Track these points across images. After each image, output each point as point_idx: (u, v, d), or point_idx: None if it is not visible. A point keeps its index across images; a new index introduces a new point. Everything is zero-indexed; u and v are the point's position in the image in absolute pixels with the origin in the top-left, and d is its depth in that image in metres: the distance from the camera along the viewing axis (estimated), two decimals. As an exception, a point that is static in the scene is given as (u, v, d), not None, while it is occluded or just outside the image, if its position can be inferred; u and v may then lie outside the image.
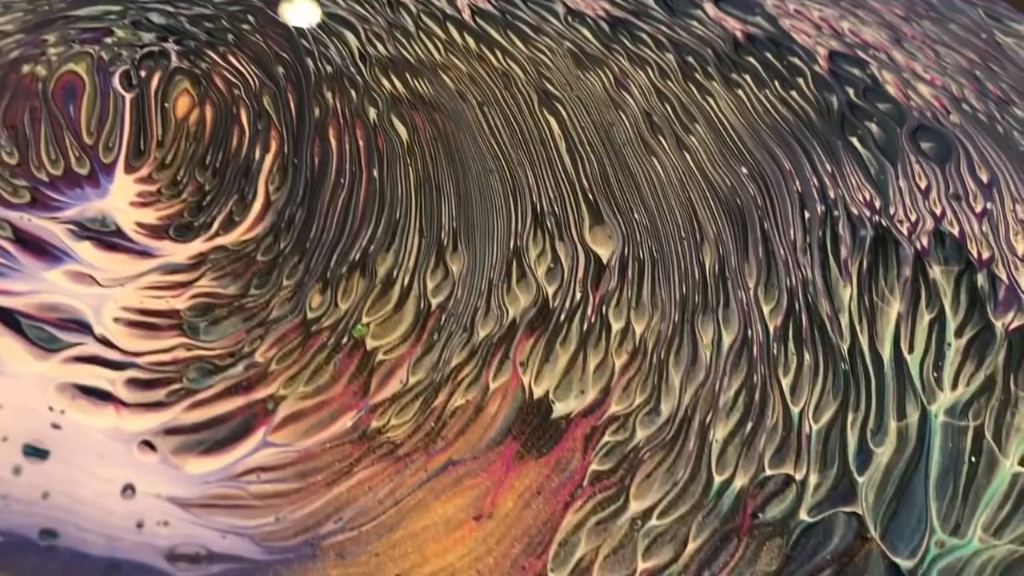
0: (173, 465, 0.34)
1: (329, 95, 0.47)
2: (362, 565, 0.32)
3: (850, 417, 0.37)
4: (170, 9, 0.51)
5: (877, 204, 0.45)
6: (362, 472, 0.34)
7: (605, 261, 0.42)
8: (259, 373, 0.37)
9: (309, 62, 0.49)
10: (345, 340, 0.38)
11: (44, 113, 0.45)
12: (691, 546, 0.33)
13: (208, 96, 0.46)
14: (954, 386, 0.38)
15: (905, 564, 0.34)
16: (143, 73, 0.47)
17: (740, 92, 0.50)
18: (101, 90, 0.46)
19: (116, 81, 0.47)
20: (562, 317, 0.39)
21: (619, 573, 0.33)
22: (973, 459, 0.36)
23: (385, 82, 0.48)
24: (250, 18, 0.51)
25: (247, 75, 0.48)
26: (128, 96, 0.46)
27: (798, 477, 0.36)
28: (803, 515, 0.35)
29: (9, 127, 0.44)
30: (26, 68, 0.46)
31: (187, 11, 0.51)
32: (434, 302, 0.39)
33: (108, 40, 0.48)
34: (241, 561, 0.32)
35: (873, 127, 0.49)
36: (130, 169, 0.43)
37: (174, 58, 0.48)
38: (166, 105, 0.46)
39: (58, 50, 0.47)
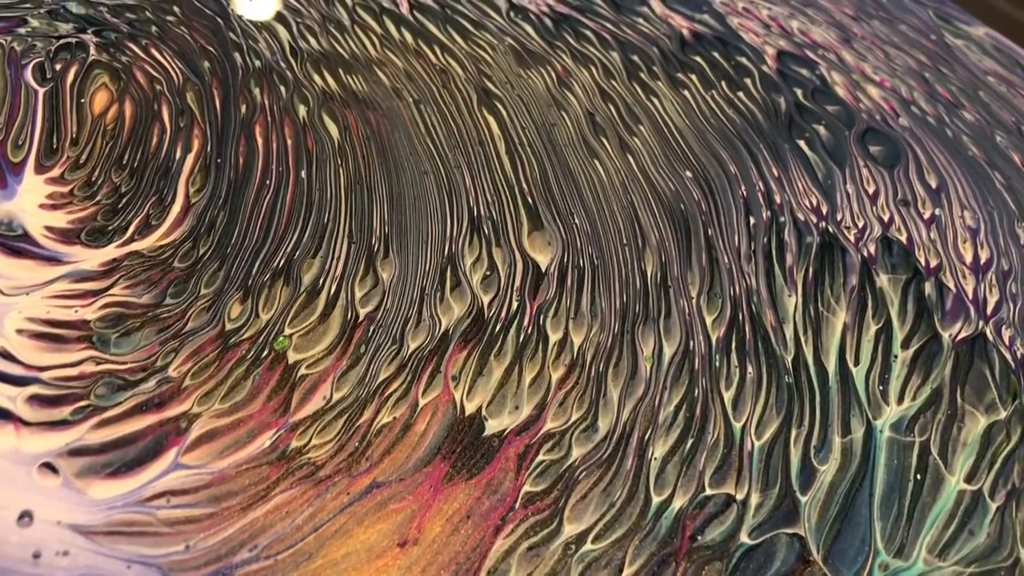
0: (76, 489, 0.31)
1: (257, 91, 0.45)
2: (276, 597, 0.30)
3: (793, 433, 0.36)
4: (91, -2, 0.48)
5: (824, 210, 0.44)
6: (280, 496, 0.32)
7: (544, 268, 0.40)
8: (172, 389, 0.34)
9: (236, 56, 0.47)
10: (265, 353, 0.36)
11: (-51, 108, 0.42)
12: (627, 571, 0.32)
13: (128, 91, 0.44)
14: (900, 400, 0.37)
15: (847, 587, 0.32)
16: (58, 66, 0.44)
17: (686, 92, 0.49)
18: (12, 83, 0.43)
19: (28, 74, 0.44)
20: (497, 328, 0.38)
21: (551, 601, 0.31)
22: (919, 476, 0.35)
23: (317, 78, 0.46)
24: (176, 8, 0.48)
25: (170, 70, 0.45)
26: (41, 90, 0.43)
27: (739, 497, 0.34)
28: (744, 537, 0.33)
29: (-90, 123, 0.41)
30: (-70, 60, 0.44)
31: (108, 1, 0.48)
32: (362, 312, 0.37)
33: (21, 30, 0.46)
34: (145, 595, 0.29)
35: (821, 129, 0.48)
36: (41, 169, 0.41)
37: (92, 50, 0.45)
38: (82, 100, 0.43)
39: (-34, 40, 0.45)
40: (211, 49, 0.47)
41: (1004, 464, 0.36)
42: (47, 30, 0.46)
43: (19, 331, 0.35)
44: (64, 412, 0.33)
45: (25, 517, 0.31)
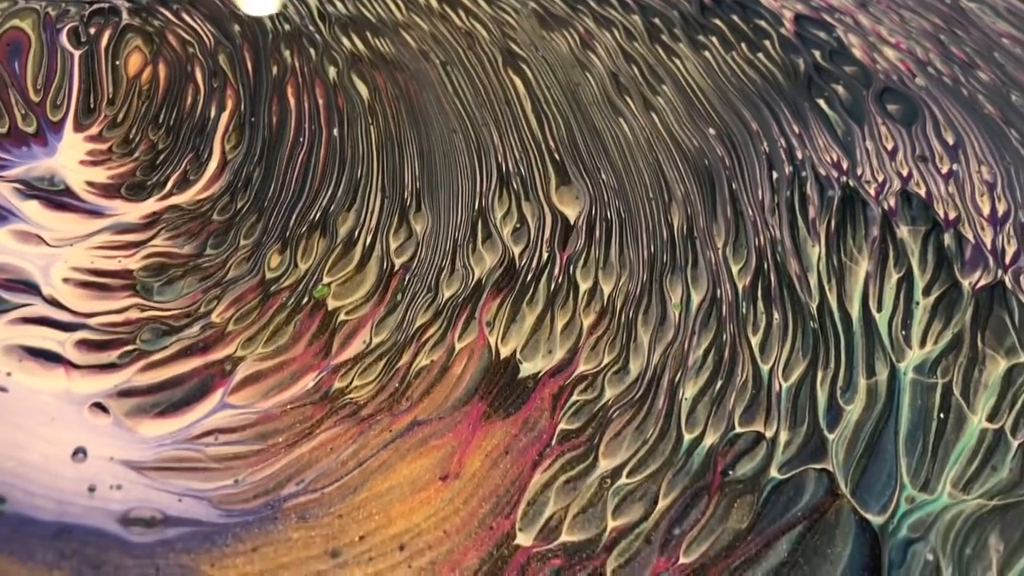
0: (126, 428, 0.32)
1: (287, 53, 0.46)
2: (325, 527, 0.31)
3: (819, 375, 0.37)
4: (121, -36, 0.49)
5: (844, 165, 0.45)
6: (324, 434, 0.33)
7: (572, 221, 0.41)
8: (216, 334, 0.35)
9: (266, 20, 0.47)
10: (305, 300, 0.37)
11: (-12, 70, 0.43)
12: (661, 504, 0.33)
13: (161, 54, 0.45)
14: (922, 344, 0.38)
15: (875, 520, 0.33)
16: (92, 30, 0.45)
17: (707, 54, 0.49)
18: (48, 47, 0.44)
19: (64, 38, 0.45)
20: (529, 277, 0.39)
21: (589, 532, 0.32)
22: (942, 415, 0.36)
23: (345, 41, 0.47)
24: (204, -25, 0.49)
25: (202, 33, 0.46)
26: (77, 53, 0.44)
27: (768, 435, 0.35)
28: (774, 472, 0.34)
29: (-49, 84, 0.42)
30: (-32, 24, 0.44)
31: (139, -34, 0.49)
32: (397, 262, 0.38)
33: (57, -6, 0.47)
34: (199, 524, 0.30)
35: (840, 89, 0.49)
36: (79, 127, 0.42)
37: (125, 15, 0.46)
38: (117, 63, 0.44)
39: (2, 5, 0.45)
40: (240, 12, 0.47)
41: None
42: (81, -5, 0.47)
43: (65, 280, 0.36)
44: (112, 356, 0.34)
45: (79, 453, 0.32)
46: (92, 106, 0.42)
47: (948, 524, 0.34)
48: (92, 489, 0.31)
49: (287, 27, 0.47)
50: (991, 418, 0.37)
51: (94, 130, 0.41)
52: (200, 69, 0.44)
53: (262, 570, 0.30)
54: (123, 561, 0.29)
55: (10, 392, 0.33)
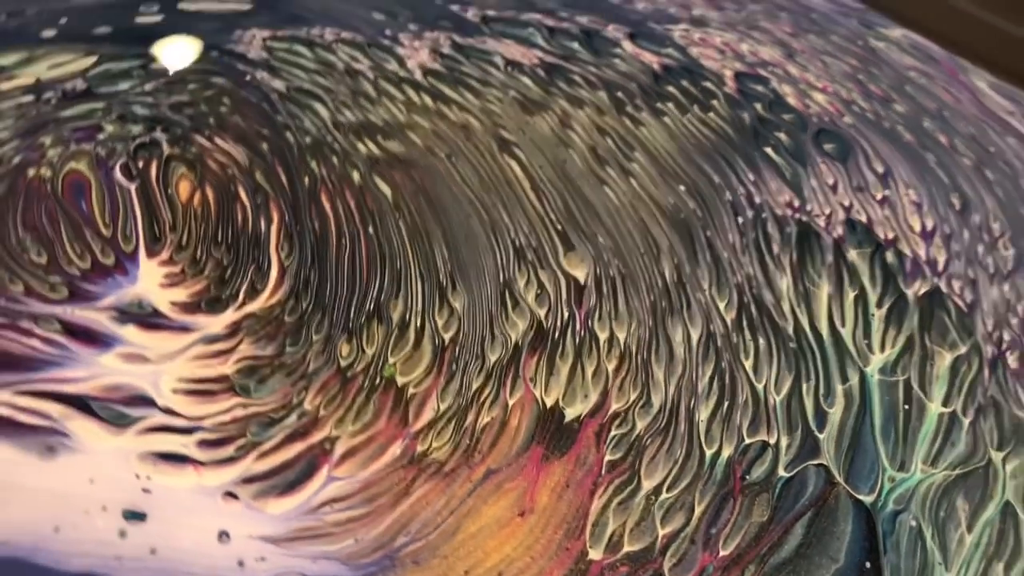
0: (256, 509, 0.39)
1: (314, 164, 0.53)
2: (435, 568, 0.38)
3: (804, 386, 0.45)
4: (150, 100, 0.55)
5: (796, 203, 0.54)
6: (419, 490, 0.40)
7: (582, 282, 0.49)
8: (311, 420, 0.42)
9: (288, 135, 0.54)
10: (378, 380, 0.44)
11: (59, 212, 0.49)
12: (697, 510, 0.41)
13: (205, 178, 0.52)
14: (882, 349, 0.47)
15: (867, 499, 0.42)
16: (140, 163, 0.52)
17: (666, 119, 0.58)
18: (106, 184, 0.51)
19: (118, 174, 0.51)
20: (556, 335, 0.46)
21: (644, 541, 0.40)
22: (907, 407, 0.45)
23: (360, 146, 0.54)
24: (225, 100, 0.56)
25: (235, 154, 0.53)
26: (132, 187, 0.51)
27: (771, 441, 0.43)
28: (781, 471, 0.42)
29: (31, 229, 0.48)
30: (31, 172, 0.51)
31: (166, 100, 0.55)
32: (446, 337, 0.46)
33: (100, 136, 0.53)
34: (334, 580, 0.37)
35: (782, 136, 0.57)
36: (151, 254, 0.48)
37: (165, 146, 0.53)
38: (169, 191, 0.51)
39: (56, 151, 0.52)
40: (264, 131, 0.54)
41: (970, 388, 0.46)
42: (122, 133, 0.53)
43: (174, 391, 0.43)
44: (229, 450, 0.41)
45: (223, 536, 0.38)
46: (157, 233, 0.49)
47: (923, 494, 0.42)
48: (241, 563, 0.38)
49: (308, 139, 0.54)
50: (945, 403, 0.45)
51: (164, 255, 0.48)
52: (243, 188, 0.51)
53: (391, 609, 0.37)
54: (279, 618, 0.36)
55: (153, 493, 0.39)
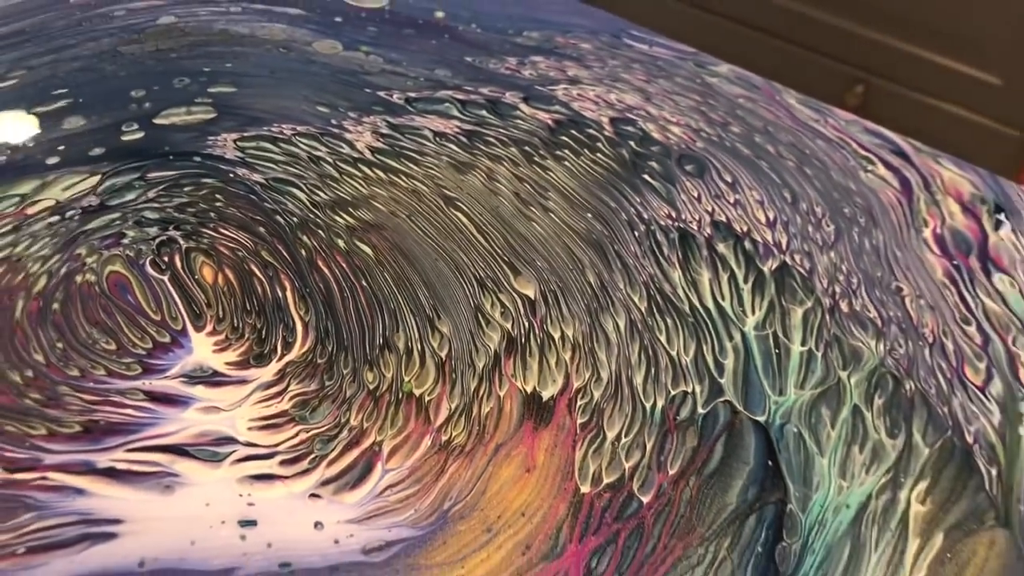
0: (337, 501, 0.53)
1: (304, 238, 0.67)
2: (476, 518, 0.53)
3: (704, 347, 0.63)
4: (156, 205, 0.68)
5: (673, 215, 0.71)
6: (451, 468, 0.55)
7: (532, 297, 0.65)
8: (359, 431, 0.57)
9: (278, 218, 0.68)
10: (401, 395, 0.58)
11: (112, 307, 0.62)
12: (648, 446, 0.57)
13: (222, 262, 0.65)
14: (753, 312, 0.65)
15: (761, 419, 0.59)
16: (165, 258, 0.65)
17: (566, 162, 0.74)
18: (143, 278, 0.63)
19: (149, 269, 0.64)
20: (523, 340, 0.62)
21: (617, 473, 0.56)
22: (778, 351, 0.63)
23: (337, 218, 0.69)
24: (218, 196, 0.69)
25: (239, 239, 0.66)
26: (164, 277, 0.64)
27: (689, 390, 0.60)
28: (700, 410, 0.59)
29: (95, 324, 0.61)
30: (79, 278, 0.63)
31: (169, 203, 0.68)
32: (442, 355, 0.61)
33: (125, 240, 0.65)
34: (408, 540, 0.52)
35: (654, 164, 0.75)
36: (198, 328, 0.61)
37: (181, 241, 0.66)
38: (196, 276, 0.64)
39: (93, 258, 0.64)
40: (258, 218, 0.68)
41: (818, 330, 0.64)
42: (142, 235, 0.66)
43: (249, 428, 0.56)
44: (304, 464, 0.55)
45: (318, 525, 0.52)
46: (197, 312, 0.62)
47: (798, 409, 0.60)
48: (336, 541, 0.52)
49: (294, 219, 0.68)
50: (803, 344, 0.64)
51: (209, 327, 0.61)
52: (255, 265, 0.65)
53: (451, 552, 0.52)
54: (375, 572, 0.51)
55: (256, 504, 0.53)
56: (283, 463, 0.55)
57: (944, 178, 0.77)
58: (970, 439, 0.59)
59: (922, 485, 0.57)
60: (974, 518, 0.55)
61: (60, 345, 0.59)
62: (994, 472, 0.58)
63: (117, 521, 0.51)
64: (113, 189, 0.68)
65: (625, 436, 0.58)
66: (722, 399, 0.60)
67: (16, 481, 0.53)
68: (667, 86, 0.83)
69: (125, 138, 0.72)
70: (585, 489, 0.55)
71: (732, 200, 0.72)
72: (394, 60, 0.81)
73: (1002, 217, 0.74)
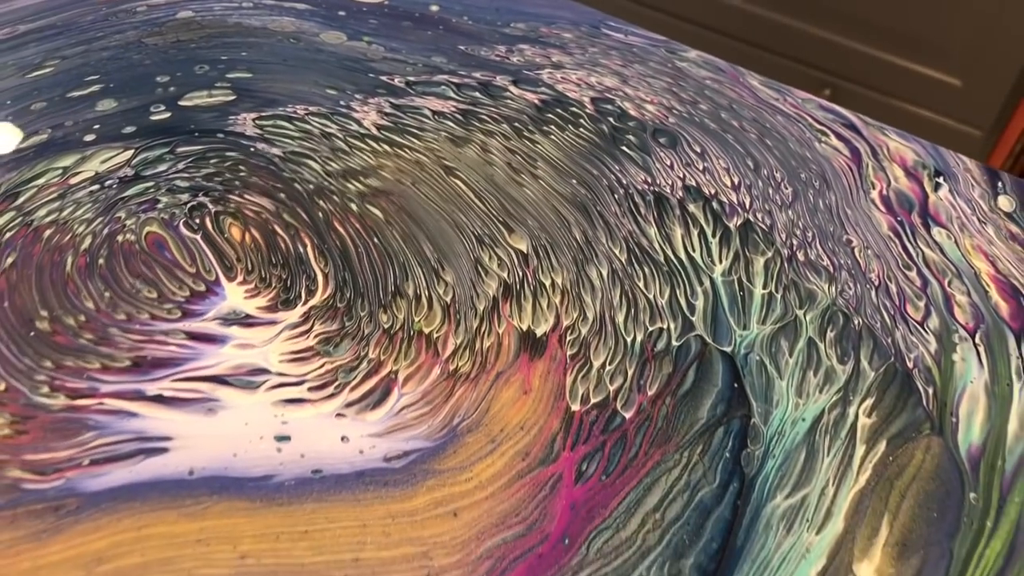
0: (360, 419, 0.61)
1: (321, 202, 0.75)
2: (482, 431, 0.61)
3: (678, 291, 0.71)
4: (185, 175, 0.76)
5: (648, 180, 0.80)
6: (458, 392, 0.63)
7: (525, 251, 0.73)
8: (377, 363, 0.65)
9: (296, 186, 0.76)
10: (412, 332, 0.66)
11: (152, 262, 0.69)
12: (630, 372, 0.66)
13: (248, 223, 0.73)
14: (720, 262, 0.74)
15: (728, 349, 0.68)
16: (197, 220, 0.72)
17: (552, 137, 0.83)
18: (178, 237, 0.71)
19: (183, 230, 0.72)
20: (517, 287, 0.70)
21: (602, 395, 0.64)
22: (742, 293, 0.71)
23: (350, 185, 0.77)
24: (241, 167, 0.77)
25: (263, 204, 0.74)
26: (197, 236, 0.71)
27: (665, 327, 0.69)
28: (674, 343, 0.68)
29: (137, 276, 0.68)
30: (120, 238, 0.70)
31: (198, 174, 0.76)
32: (447, 300, 0.69)
33: (159, 206, 0.73)
34: (423, 450, 0.60)
35: (631, 137, 0.84)
36: (229, 279, 0.69)
37: (210, 205, 0.74)
38: (225, 235, 0.72)
39: (132, 221, 0.72)
40: (278, 186, 0.76)
41: (778, 276, 0.73)
42: (175, 201, 0.73)
43: (280, 361, 0.64)
44: (330, 390, 0.63)
45: (344, 438, 0.60)
46: (228, 265, 0.70)
47: (761, 341, 0.69)
48: (361, 451, 0.60)
49: (311, 187, 0.76)
50: (764, 288, 0.72)
51: (239, 278, 0.69)
52: (278, 226, 0.73)
53: (461, 459, 0.60)
54: (396, 476, 0.58)
55: (290, 423, 0.61)
56: (311, 389, 0.62)
57: (890, 147, 0.86)
58: (910, 364, 0.68)
59: (868, 402, 0.65)
60: (913, 428, 0.64)
61: (107, 294, 0.66)
62: (931, 391, 0.66)
63: (167, 438, 0.59)
64: (146, 162, 0.76)
65: (609, 364, 0.66)
66: (694, 333, 0.69)
67: (77, 407, 0.60)
68: (641, 70, 0.92)
69: (154, 118, 0.80)
70: (575, 407, 0.63)
71: (701, 168, 0.81)
72: (394, 48, 0.89)
73: (941, 180, 0.83)
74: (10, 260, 0.68)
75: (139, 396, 0.61)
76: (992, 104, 1.85)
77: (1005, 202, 0.81)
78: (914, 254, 0.76)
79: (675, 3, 1.97)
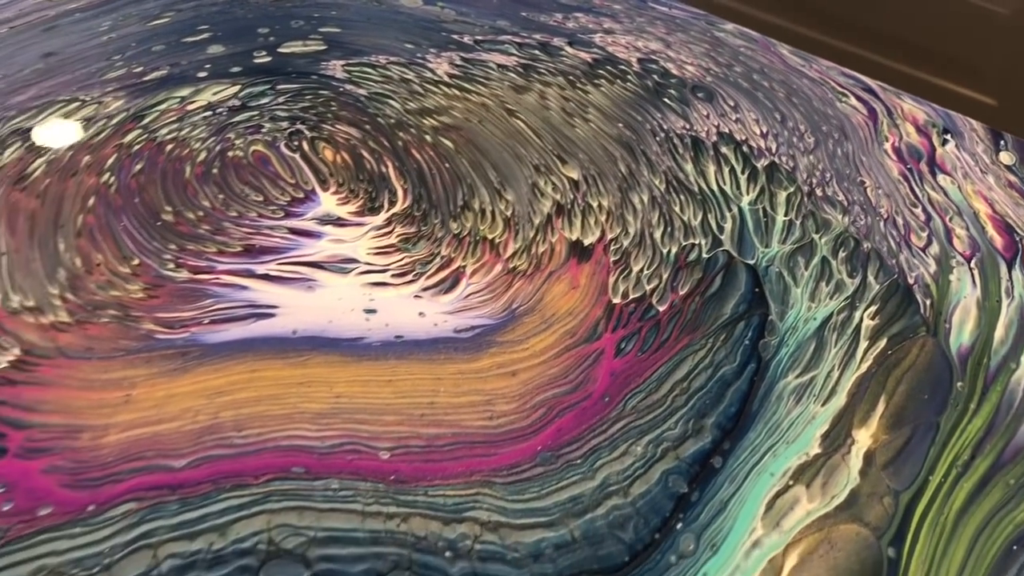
0: (435, 301, 0.72)
1: (401, 134, 0.87)
2: (536, 314, 0.72)
3: (709, 215, 0.82)
4: (285, 108, 0.88)
5: (687, 127, 0.91)
6: (516, 284, 0.74)
7: (576, 179, 0.84)
8: (448, 259, 0.76)
9: (379, 120, 0.88)
10: (478, 238, 0.78)
11: (259, 173, 0.81)
12: (664, 276, 0.76)
13: (339, 147, 0.85)
14: (747, 193, 0.84)
15: (751, 262, 0.78)
16: (296, 143, 0.84)
17: (603, 89, 0.94)
18: (279, 155, 0.83)
19: (284, 149, 0.84)
20: (569, 206, 0.81)
21: (640, 292, 0.75)
22: (766, 219, 0.82)
23: (425, 121, 0.88)
24: (332, 104, 0.89)
25: (351, 132, 0.86)
26: (296, 155, 0.83)
27: (696, 242, 0.79)
28: (704, 255, 0.78)
29: (246, 183, 0.80)
30: (231, 153, 0.83)
31: (296, 107, 0.88)
32: (508, 214, 0.80)
33: (263, 131, 0.85)
34: (487, 325, 0.71)
35: (672, 91, 0.95)
36: (324, 189, 0.81)
37: (307, 132, 0.86)
38: (320, 155, 0.84)
39: (240, 140, 0.84)
40: (364, 119, 0.88)
41: (799, 206, 0.83)
42: (277, 128, 0.85)
43: (367, 253, 0.75)
44: (410, 277, 0.74)
45: (421, 314, 0.71)
46: (322, 178, 0.82)
47: (780, 257, 0.79)
48: (435, 324, 0.71)
49: (392, 121, 0.88)
50: (785, 215, 0.83)
51: (332, 189, 0.81)
52: (364, 149, 0.84)
53: (519, 334, 0.71)
54: (464, 344, 0.69)
55: (376, 300, 0.72)
56: (394, 275, 0.74)
57: (904, 108, 0.96)
58: (911, 280, 0.78)
59: (873, 308, 0.75)
60: (910, 330, 0.74)
61: (220, 196, 0.79)
62: (928, 302, 0.76)
63: (274, 306, 0.71)
64: (251, 95, 0.88)
65: (647, 270, 0.77)
66: (721, 249, 0.79)
67: (198, 279, 0.72)
68: (683, 37, 1.03)
69: (256, 61, 0.92)
70: (616, 301, 0.74)
71: (734, 119, 0.92)
72: (464, 12, 1.01)
73: (948, 137, 0.93)
74: (139, 167, 0.80)
75: (250, 274, 0.73)
76: None
77: (1006, 156, 0.91)
78: (920, 195, 0.86)
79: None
